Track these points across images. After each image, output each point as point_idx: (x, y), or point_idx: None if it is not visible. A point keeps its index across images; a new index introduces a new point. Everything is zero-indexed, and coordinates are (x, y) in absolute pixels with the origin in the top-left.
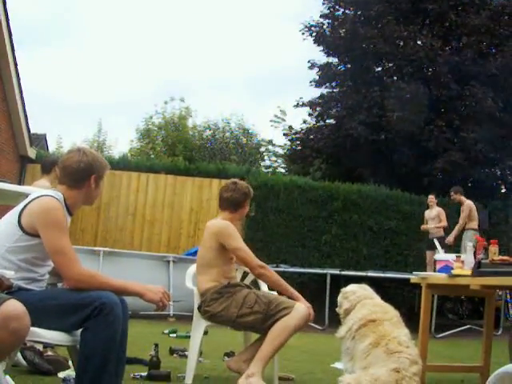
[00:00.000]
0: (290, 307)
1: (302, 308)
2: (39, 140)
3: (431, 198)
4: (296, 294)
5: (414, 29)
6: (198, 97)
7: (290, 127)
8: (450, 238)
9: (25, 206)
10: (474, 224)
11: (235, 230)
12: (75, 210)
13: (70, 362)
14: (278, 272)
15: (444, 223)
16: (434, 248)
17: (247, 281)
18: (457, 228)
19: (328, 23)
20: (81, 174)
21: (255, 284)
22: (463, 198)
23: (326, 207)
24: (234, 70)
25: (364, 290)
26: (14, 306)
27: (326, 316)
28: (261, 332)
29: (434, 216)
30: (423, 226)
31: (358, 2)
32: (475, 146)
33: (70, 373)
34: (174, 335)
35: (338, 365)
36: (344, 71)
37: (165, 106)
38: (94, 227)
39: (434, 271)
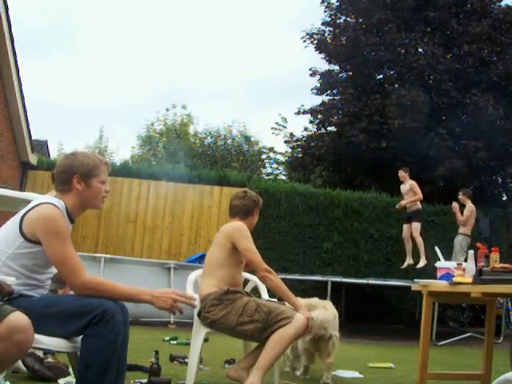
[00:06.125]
0: (290, 317)
1: (300, 318)
2: (41, 146)
3: (401, 173)
4: (296, 302)
5: (416, 36)
6: (199, 104)
7: (291, 134)
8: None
9: (26, 213)
10: (467, 230)
11: (249, 232)
12: (76, 216)
13: (71, 369)
14: None
15: (419, 196)
16: (410, 221)
17: (248, 288)
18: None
19: (329, 31)
20: (63, 177)
21: (255, 291)
22: (468, 201)
23: (327, 214)
24: (236, 78)
25: None
26: (19, 318)
27: None
28: (259, 341)
29: (407, 190)
30: (398, 205)
31: (360, 9)
32: (476, 154)
33: (71, 379)
34: (175, 342)
35: (339, 372)
36: (345, 79)
37: (166, 112)
38: (95, 234)
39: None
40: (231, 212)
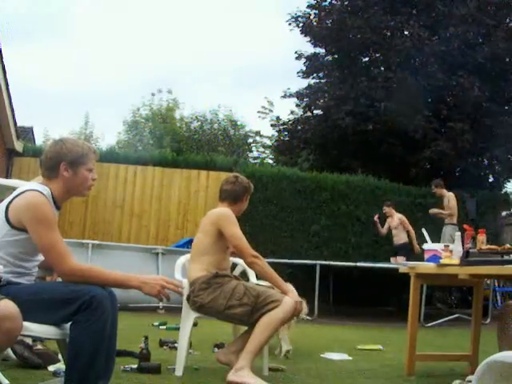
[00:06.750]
0: (279, 300)
1: (289, 301)
2: (26, 133)
3: (385, 209)
4: (285, 287)
5: (401, 19)
6: (185, 88)
7: (278, 118)
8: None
9: (11, 201)
10: (454, 219)
11: (235, 218)
12: (62, 203)
13: (60, 356)
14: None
15: (411, 232)
16: (396, 255)
17: (236, 272)
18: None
19: (315, 13)
20: (50, 164)
21: (244, 276)
22: (444, 191)
23: (314, 198)
24: (222, 62)
25: None
26: (7, 306)
27: (316, 307)
28: (248, 325)
29: (397, 224)
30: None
31: None
32: (462, 136)
33: (60, 366)
34: (164, 327)
35: (328, 355)
36: (331, 62)
37: (152, 97)
38: (82, 220)
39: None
40: (221, 196)
